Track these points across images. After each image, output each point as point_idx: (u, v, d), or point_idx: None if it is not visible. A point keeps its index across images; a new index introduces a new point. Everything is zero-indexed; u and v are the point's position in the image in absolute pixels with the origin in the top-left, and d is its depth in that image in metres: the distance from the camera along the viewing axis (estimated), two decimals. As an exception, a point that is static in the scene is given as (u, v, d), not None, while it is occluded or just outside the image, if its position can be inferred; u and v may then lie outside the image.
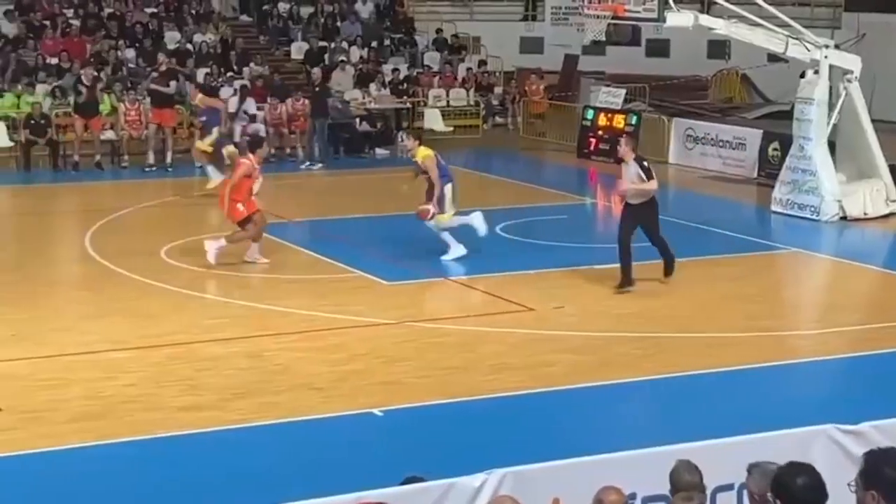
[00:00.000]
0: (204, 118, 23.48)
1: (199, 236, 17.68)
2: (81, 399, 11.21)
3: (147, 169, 25.29)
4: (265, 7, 34.20)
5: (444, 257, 16.89)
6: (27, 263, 17.06)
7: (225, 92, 28.69)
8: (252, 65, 30.45)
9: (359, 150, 28.28)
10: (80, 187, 23.50)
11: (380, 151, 28.43)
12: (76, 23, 31.11)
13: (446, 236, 16.96)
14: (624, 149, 15.60)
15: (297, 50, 32.72)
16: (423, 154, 16.86)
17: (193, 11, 32.99)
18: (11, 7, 31.04)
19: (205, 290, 15.24)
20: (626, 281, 15.26)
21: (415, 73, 32.56)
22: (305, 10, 34.48)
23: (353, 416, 10.94)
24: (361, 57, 32.47)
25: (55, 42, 30.06)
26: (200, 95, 24.05)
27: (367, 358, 12.71)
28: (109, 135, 26.42)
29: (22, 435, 10.23)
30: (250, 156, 16.75)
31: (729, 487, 7.30)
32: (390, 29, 35.00)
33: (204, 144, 22.99)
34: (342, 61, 31.47)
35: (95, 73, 27.92)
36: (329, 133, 27.44)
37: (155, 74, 27.52)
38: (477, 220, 17.11)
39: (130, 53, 30.05)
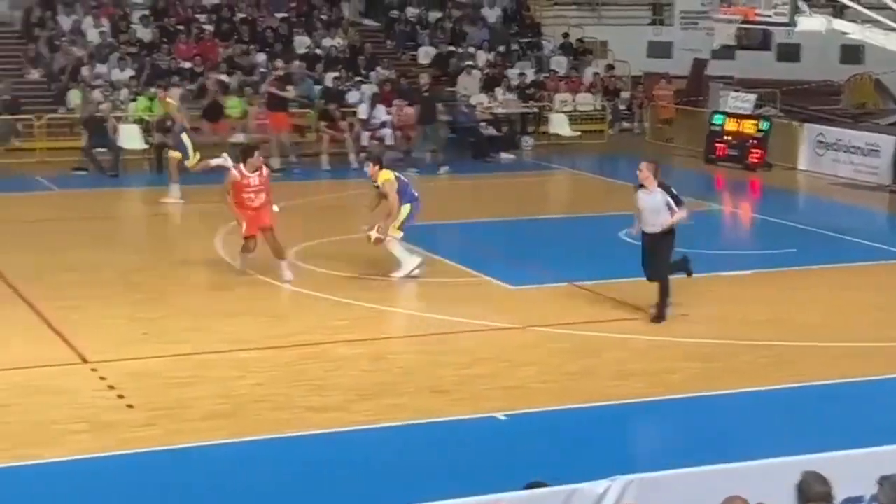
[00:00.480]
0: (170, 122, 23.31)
1: (327, 239, 17.91)
2: (212, 397, 11.43)
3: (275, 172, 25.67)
4: (393, 12, 34.48)
5: (393, 274, 16.20)
6: (158, 264, 17.44)
7: (352, 96, 29.04)
8: (379, 69, 30.73)
9: (483, 154, 28.35)
10: (209, 189, 23.89)
11: (505, 156, 28.45)
12: (209, 28, 31.74)
13: (396, 251, 16.27)
14: (644, 174, 14.09)
15: (424, 54, 32.93)
16: (383, 178, 16.29)
17: (323, 17, 33.41)
18: (147, 12, 31.76)
19: (332, 292, 15.41)
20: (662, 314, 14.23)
21: (541, 78, 32.54)
22: (433, 15, 34.69)
23: (477, 420, 10.99)
24: (488, 61, 32.57)
25: (188, 46, 30.70)
26: (168, 100, 23.56)
27: (490, 362, 12.76)
28: (239, 137, 26.88)
29: (155, 432, 10.47)
30: (240, 165, 16.13)
31: (859, 500, 7.19)
32: (517, 33, 35.04)
33: (191, 159, 22.50)
34: (469, 66, 31.60)
35: (220, 78, 28.47)
36: (454, 137, 27.56)
37: (272, 77, 27.91)
38: (410, 265, 16.19)
39: (261, 58, 30.54)
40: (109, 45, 30.19)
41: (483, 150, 28.49)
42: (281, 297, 15.39)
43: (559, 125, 30.57)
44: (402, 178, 16.72)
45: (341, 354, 12.94)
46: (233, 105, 27.71)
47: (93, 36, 30.46)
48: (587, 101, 32.09)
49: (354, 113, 28.18)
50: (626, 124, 32.76)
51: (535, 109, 31.08)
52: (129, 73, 29.12)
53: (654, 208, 13.94)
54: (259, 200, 15.85)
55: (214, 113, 26.92)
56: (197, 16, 32.31)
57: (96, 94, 27.77)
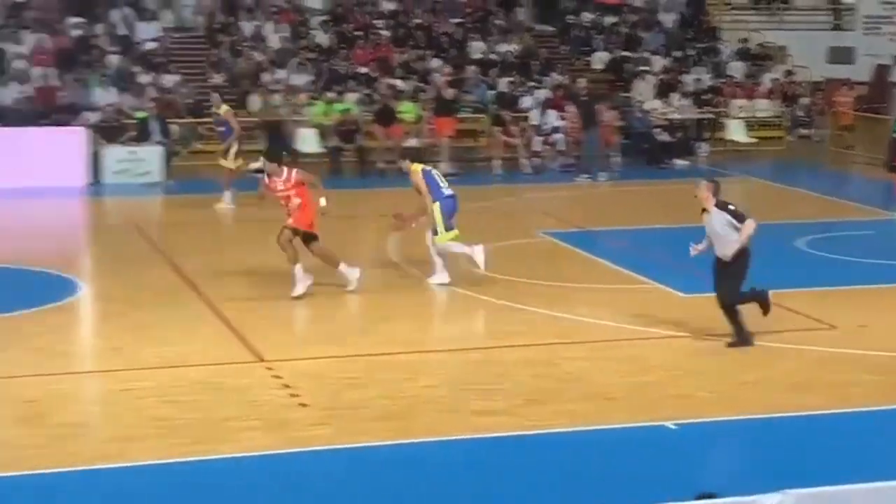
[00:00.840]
0: (223, 129, 23.04)
1: (496, 243, 17.96)
2: (382, 398, 11.56)
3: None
4: (569, 17, 34.41)
5: (429, 279, 16.16)
6: (329, 268, 17.73)
7: (525, 102, 29.08)
8: (553, 74, 30.70)
9: (657, 160, 28.08)
10: (383, 193, 24.22)
11: (679, 162, 28.14)
12: (386, 34, 32.15)
13: (437, 258, 16.13)
14: (702, 196, 13.15)
15: (598, 60, 32.78)
16: (412, 170, 16.32)
17: (498, 22, 33.53)
18: (326, 18, 32.33)
19: (500, 296, 15.45)
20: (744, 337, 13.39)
21: (717, 83, 32.09)
22: (608, 20, 34.51)
23: (646, 429, 10.88)
24: (664, 66, 32.25)
25: (365, 52, 31.15)
26: (225, 107, 23.22)
27: (661, 370, 12.62)
28: (413, 142, 27.16)
29: (327, 431, 10.64)
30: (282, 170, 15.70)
31: None
32: (693, 38, 34.63)
33: (228, 162, 22.43)
34: (643, 71, 31.35)
35: (393, 82, 28.82)
36: (627, 143, 27.37)
37: (440, 81, 28.13)
38: (478, 255, 16.04)
39: (436, 63, 30.81)
40: (289, 50, 30.84)
41: (657, 156, 28.23)
42: (450, 301, 15.49)
43: (735, 131, 30.11)
44: (432, 173, 16.48)
45: (509, 358, 12.95)
46: (406, 110, 28.00)
47: (273, 41, 31.14)
48: (765, 108, 31.54)
49: (527, 118, 28.22)
50: (804, 131, 32.08)
51: (711, 115, 30.66)
52: (308, 77, 29.69)
53: (718, 231, 13.03)
54: (292, 205, 15.52)
55: (386, 118, 27.27)
56: (374, 21, 32.76)
57: (275, 99, 28.40)
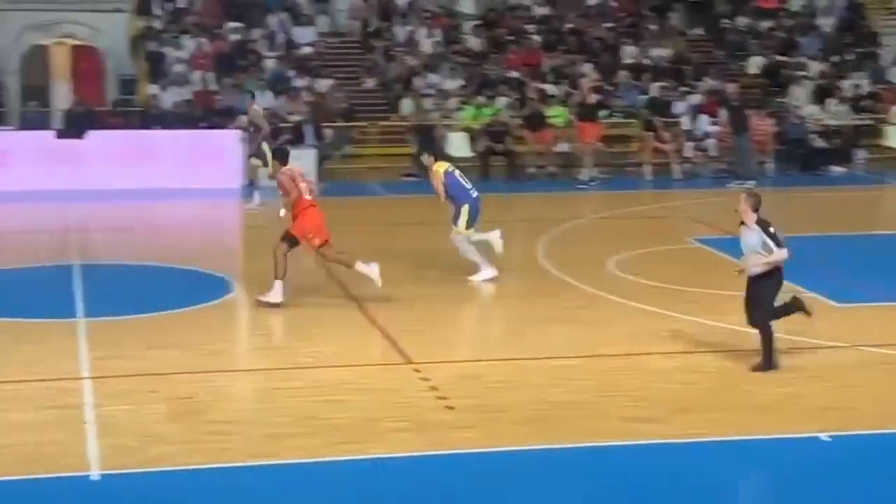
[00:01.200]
0: (252, 129, 23.33)
1: (645, 249, 17.82)
2: (529, 403, 11.54)
3: (581, 186, 25.76)
4: (722, 21, 33.95)
5: (471, 278, 16.30)
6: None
7: (677, 107, 28.78)
8: (707, 79, 30.33)
9: (813, 167, 27.53)
10: (531, 197, 24.25)
11: (835, 169, 27.56)
12: (538, 38, 32.13)
13: (471, 255, 16.40)
14: (742, 207, 12.42)
15: (754, 64, 32.26)
16: (434, 170, 16.55)
17: (651, 26, 33.25)
18: (479, 23, 32.46)
19: (649, 303, 15.31)
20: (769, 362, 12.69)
21: (877, 89, 31.32)
22: (764, 24, 33.94)
23: (799, 440, 10.67)
24: (821, 71, 31.60)
25: (516, 56, 31.18)
26: (255, 107, 23.62)
27: (815, 380, 12.36)
28: (564, 147, 27.11)
29: (476, 434, 10.66)
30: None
31: None
32: (852, 43, 33.84)
33: (258, 163, 22.73)
34: (800, 76, 30.76)
35: (541, 87, 28.79)
36: (783, 149, 26.90)
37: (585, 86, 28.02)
38: (495, 238, 16.48)
39: (588, 68, 30.68)
40: (441, 54, 31.04)
41: (812, 162, 27.69)
42: (599, 306, 15.40)
43: (895, 138, 29.35)
44: (455, 174, 16.54)
45: (659, 366, 12.82)
46: (556, 114, 27.96)
47: (426, 46, 31.38)
48: (926, 113, 30.67)
49: (678, 123, 27.94)
50: (968, 138, 31.11)
51: (870, 121, 29.93)
52: (459, 82, 29.85)
53: (751, 248, 12.41)
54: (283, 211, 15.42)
55: (536, 122, 27.26)
56: (526, 26, 32.77)
57: (426, 103, 28.61)
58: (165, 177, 24.83)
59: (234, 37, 30.82)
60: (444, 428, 10.84)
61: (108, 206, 15.65)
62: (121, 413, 11.07)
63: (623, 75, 30.25)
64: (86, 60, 32.88)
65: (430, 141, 26.29)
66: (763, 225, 12.36)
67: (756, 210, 12.44)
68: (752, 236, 12.38)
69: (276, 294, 15.01)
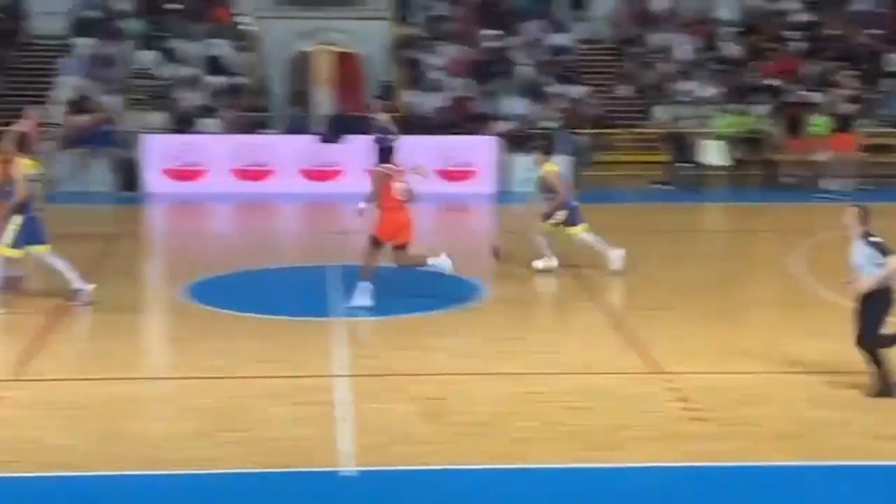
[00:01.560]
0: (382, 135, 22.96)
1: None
2: (781, 419, 11.27)
3: (822, 195, 25.01)
4: None
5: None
6: (729, 279, 17.56)
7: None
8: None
9: None
10: (786, 207, 23.70)
11: None
12: (799, 45, 31.36)
13: (594, 243, 17.41)
14: (847, 221, 11.78)
15: None
16: (546, 168, 17.49)
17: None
18: (740, 29, 31.93)
19: None
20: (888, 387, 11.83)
21: None
22: None
23: None
24: None
25: (776, 63, 30.51)
26: (384, 115, 24.05)
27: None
28: (823, 157, 26.39)
29: (726, 447, 10.48)
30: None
31: None
32: None
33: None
34: None
35: (803, 94, 28.08)
36: None
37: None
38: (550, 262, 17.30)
39: (846, 76, 29.78)
40: (698, 61, 30.65)
41: None
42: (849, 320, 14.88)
43: None
44: (565, 176, 17.08)
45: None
46: (818, 123, 27.21)
47: (682, 52, 31.04)
48: None
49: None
50: None
51: None
52: (716, 89, 29.41)
53: (858, 263, 11.63)
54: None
55: (795, 130, 26.62)
56: (785, 33, 32.04)
57: (680, 110, 28.30)
58: (419, 181, 25.26)
59: (490, 44, 31.16)
60: (690, 439, 10.68)
61: (365, 209, 16.05)
62: (372, 411, 11.34)
63: (886, 83, 29.21)
64: (347, 66, 33.81)
65: (682, 149, 26.01)
66: (867, 237, 11.70)
67: (863, 223, 11.81)
68: (858, 250, 11.75)
69: (362, 297, 15.31)
